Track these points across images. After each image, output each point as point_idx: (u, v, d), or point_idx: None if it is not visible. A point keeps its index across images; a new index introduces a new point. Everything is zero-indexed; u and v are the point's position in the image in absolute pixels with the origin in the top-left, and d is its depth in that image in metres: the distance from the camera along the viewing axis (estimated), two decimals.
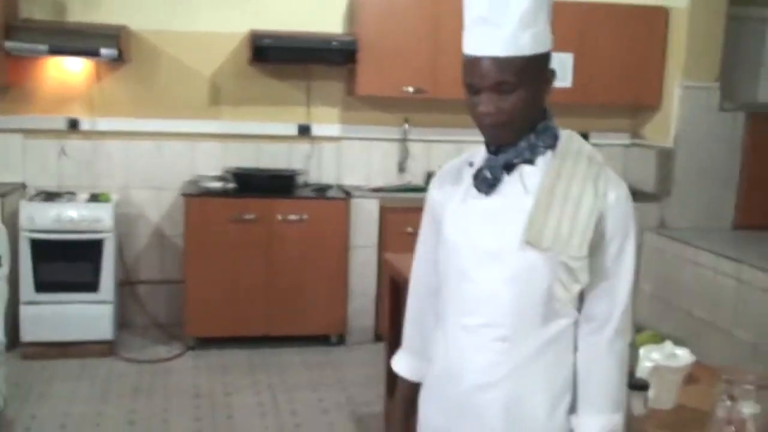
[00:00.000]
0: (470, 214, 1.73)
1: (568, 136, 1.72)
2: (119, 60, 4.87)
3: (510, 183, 1.69)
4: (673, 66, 5.45)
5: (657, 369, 2.14)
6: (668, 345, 2.24)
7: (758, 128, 5.40)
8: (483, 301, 1.70)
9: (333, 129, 5.52)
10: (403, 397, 1.96)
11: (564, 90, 5.36)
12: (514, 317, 1.68)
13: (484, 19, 1.59)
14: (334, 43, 5.05)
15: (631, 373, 2.14)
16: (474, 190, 1.73)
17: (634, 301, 5.44)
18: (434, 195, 1.87)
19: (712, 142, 5.39)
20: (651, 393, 2.06)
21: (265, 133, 5.42)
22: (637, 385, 2.03)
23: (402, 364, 1.96)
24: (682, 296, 4.93)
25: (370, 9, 5.13)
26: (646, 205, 5.44)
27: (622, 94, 5.55)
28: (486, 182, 1.70)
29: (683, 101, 5.37)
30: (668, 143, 5.45)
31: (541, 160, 1.68)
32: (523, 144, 1.67)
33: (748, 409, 1.76)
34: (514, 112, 1.62)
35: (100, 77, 5.17)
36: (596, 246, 1.64)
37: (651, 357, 2.18)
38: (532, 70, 1.61)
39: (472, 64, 1.62)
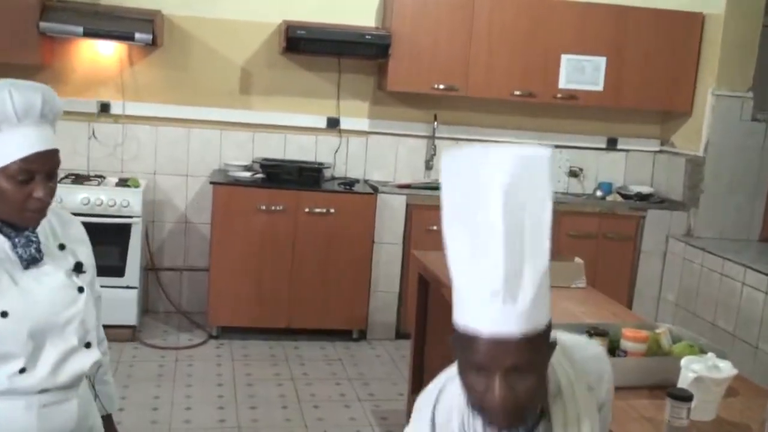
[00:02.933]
0: None
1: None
2: (152, 45, 4.88)
3: None
4: (706, 73, 5.41)
5: (699, 380, 2.12)
6: (711, 357, 2.22)
7: None
8: None
9: (362, 123, 5.50)
10: None
11: (595, 93, 5.35)
12: None
13: (496, 293, 1.36)
14: (368, 36, 5.03)
15: (670, 383, 2.14)
16: None
17: (657, 307, 5.41)
18: None
19: (742, 152, 5.34)
20: (692, 404, 2.04)
21: (294, 124, 5.42)
22: (680, 396, 2.01)
23: None
24: (706, 307, 4.90)
25: (404, 4, 5.10)
26: (674, 213, 5.41)
27: (653, 99, 5.51)
28: None
29: (715, 109, 5.32)
30: (698, 151, 5.41)
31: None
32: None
33: None
34: (531, 394, 1.42)
35: (132, 61, 5.18)
36: None
37: (693, 368, 2.16)
38: (544, 342, 1.43)
39: (479, 343, 1.37)
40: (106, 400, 2.01)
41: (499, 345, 1.36)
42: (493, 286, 1.36)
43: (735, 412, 2.20)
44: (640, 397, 2.25)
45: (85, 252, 1.88)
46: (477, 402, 1.43)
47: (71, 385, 1.78)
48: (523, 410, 1.43)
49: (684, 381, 2.14)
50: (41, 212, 1.72)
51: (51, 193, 1.71)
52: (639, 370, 2.33)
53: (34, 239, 1.74)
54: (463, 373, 1.43)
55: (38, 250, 1.74)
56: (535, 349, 1.38)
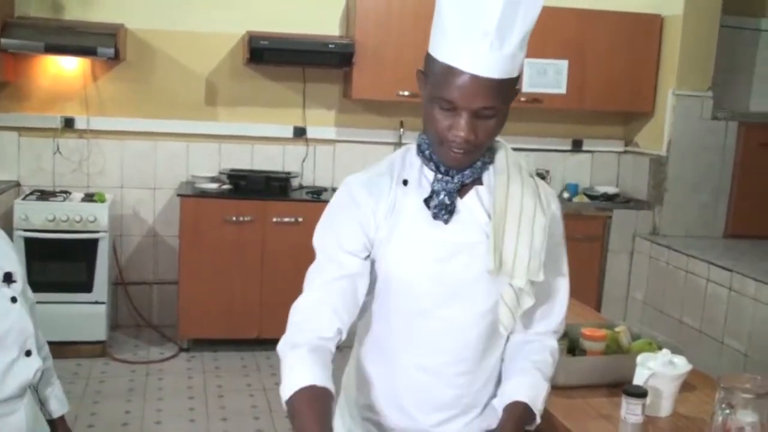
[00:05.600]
0: (429, 247, 1.56)
1: (503, 149, 1.63)
2: (115, 59, 4.86)
3: (466, 207, 1.58)
4: (667, 74, 5.48)
5: (654, 376, 2.15)
6: (666, 353, 2.25)
7: (750, 137, 5.44)
8: (447, 339, 1.61)
9: (328, 131, 5.52)
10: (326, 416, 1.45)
11: (558, 96, 5.40)
12: (479, 350, 1.63)
13: (487, 33, 1.40)
14: (331, 45, 5.05)
15: (628, 381, 2.17)
16: (422, 215, 1.56)
17: (626, 307, 5.45)
18: (365, 206, 1.58)
19: (704, 151, 5.42)
20: (648, 400, 2.07)
21: (261, 134, 5.42)
22: (634, 393, 2.04)
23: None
24: (673, 304, 4.96)
25: (366, 12, 5.13)
26: (639, 212, 5.48)
27: (615, 101, 5.58)
28: (445, 209, 1.55)
29: (676, 109, 5.40)
30: (661, 151, 5.48)
31: (485, 178, 1.60)
32: (478, 164, 1.57)
33: (746, 417, 1.78)
34: (488, 138, 1.50)
35: (96, 76, 5.16)
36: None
37: (648, 365, 2.19)
38: (512, 93, 1.49)
39: (456, 78, 1.42)
40: (55, 403, 2.01)
41: (476, 85, 1.41)
42: (486, 27, 1.40)
43: (692, 407, 2.23)
44: (599, 395, 2.27)
45: (12, 261, 1.87)
46: (438, 135, 1.49)
47: (17, 395, 1.79)
48: (477, 151, 1.51)
49: (640, 378, 2.17)
50: None
51: None
52: (596, 368, 2.35)
53: None
54: (429, 107, 1.49)
55: None
56: (504, 94, 1.45)
